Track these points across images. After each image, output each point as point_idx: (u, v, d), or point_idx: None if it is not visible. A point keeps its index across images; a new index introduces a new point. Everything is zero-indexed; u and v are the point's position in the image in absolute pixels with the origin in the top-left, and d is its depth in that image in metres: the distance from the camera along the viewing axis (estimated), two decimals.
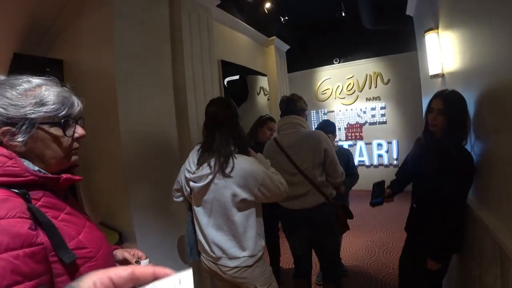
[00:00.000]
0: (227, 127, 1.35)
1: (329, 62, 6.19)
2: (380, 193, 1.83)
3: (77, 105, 0.77)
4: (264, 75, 3.96)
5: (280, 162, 1.85)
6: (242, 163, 1.31)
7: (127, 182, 1.83)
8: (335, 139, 2.84)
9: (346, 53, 6.08)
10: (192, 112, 2.34)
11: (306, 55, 6.34)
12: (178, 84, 2.35)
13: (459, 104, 1.47)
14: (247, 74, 3.60)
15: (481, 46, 1.44)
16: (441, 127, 1.48)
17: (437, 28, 2.53)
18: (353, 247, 3.46)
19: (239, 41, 3.52)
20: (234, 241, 1.37)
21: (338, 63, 6.12)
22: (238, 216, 1.34)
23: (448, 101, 1.46)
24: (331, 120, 6.02)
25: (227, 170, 1.29)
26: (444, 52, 2.44)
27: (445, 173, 1.41)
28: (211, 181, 1.33)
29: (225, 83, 3.12)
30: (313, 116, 6.37)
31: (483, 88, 1.45)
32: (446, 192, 1.42)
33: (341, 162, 2.47)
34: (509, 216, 1.29)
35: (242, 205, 1.34)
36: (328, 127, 2.56)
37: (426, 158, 1.58)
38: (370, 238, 3.64)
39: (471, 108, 1.63)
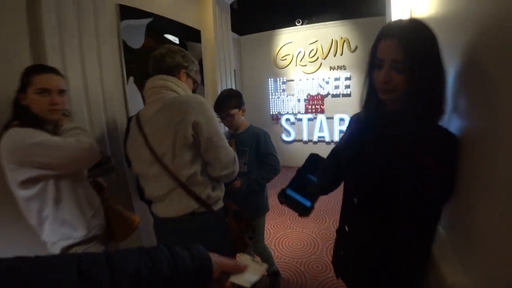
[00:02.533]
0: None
1: (290, 23, 5.42)
2: (312, 190, 0.87)
3: None
4: (197, 31, 3.18)
5: (136, 147, 1.25)
6: (7, 136, 1.12)
7: None
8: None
9: (310, 14, 5.32)
10: None
11: (265, 14, 5.51)
12: (37, 38, 1.58)
13: (431, 45, 0.78)
14: (170, 28, 2.81)
15: None
16: (400, 93, 0.82)
17: None
18: (293, 240, 2.97)
19: None
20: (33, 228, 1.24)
21: (301, 25, 5.36)
22: (24, 195, 1.17)
23: (411, 42, 0.77)
24: (291, 90, 5.48)
25: None
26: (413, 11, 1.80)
27: (411, 166, 0.80)
28: None
29: (130, 41, 2.35)
30: (271, 85, 5.69)
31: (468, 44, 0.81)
32: (415, 196, 0.80)
33: (246, 147, 1.85)
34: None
35: (29, 184, 1.15)
36: (231, 100, 1.82)
37: (374, 144, 0.93)
38: (316, 229, 3.17)
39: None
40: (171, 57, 1.26)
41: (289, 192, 0.84)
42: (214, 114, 1.21)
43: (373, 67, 0.89)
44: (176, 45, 2.97)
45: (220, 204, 1.29)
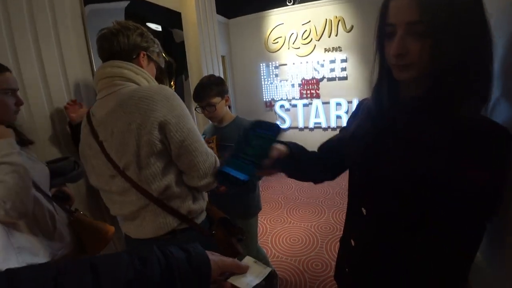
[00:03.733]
0: None
1: (282, 3, 5.10)
2: (256, 158, 0.71)
3: None
4: (178, 14, 2.90)
5: (90, 155, 1.01)
6: None
7: None
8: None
9: None
10: None
11: None
12: None
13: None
14: (150, 13, 2.54)
15: None
16: (420, 70, 0.61)
17: None
18: (290, 235, 2.80)
19: None
20: None
21: (293, 4, 5.05)
22: None
23: None
24: (287, 74, 5.22)
25: None
26: None
27: (442, 172, 0.59)
28: None
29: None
30: (263, 71, 5.41)
31: None
32: (446, 207, 0.61)
33: (232, 143, 1.64)
34: None
35: None
36: (211, 87, 1.59)
37: (388, 141, 0.70)
38: (314, 222, 3.00)
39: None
40: (125, 36, 0.98)
41: (225, 169, 0.73)
42: (186, 110, 0.96)
43: (383, 37, 0.66)
44: (158, 33, 2.72)
45: (204, 215, 1.09)
